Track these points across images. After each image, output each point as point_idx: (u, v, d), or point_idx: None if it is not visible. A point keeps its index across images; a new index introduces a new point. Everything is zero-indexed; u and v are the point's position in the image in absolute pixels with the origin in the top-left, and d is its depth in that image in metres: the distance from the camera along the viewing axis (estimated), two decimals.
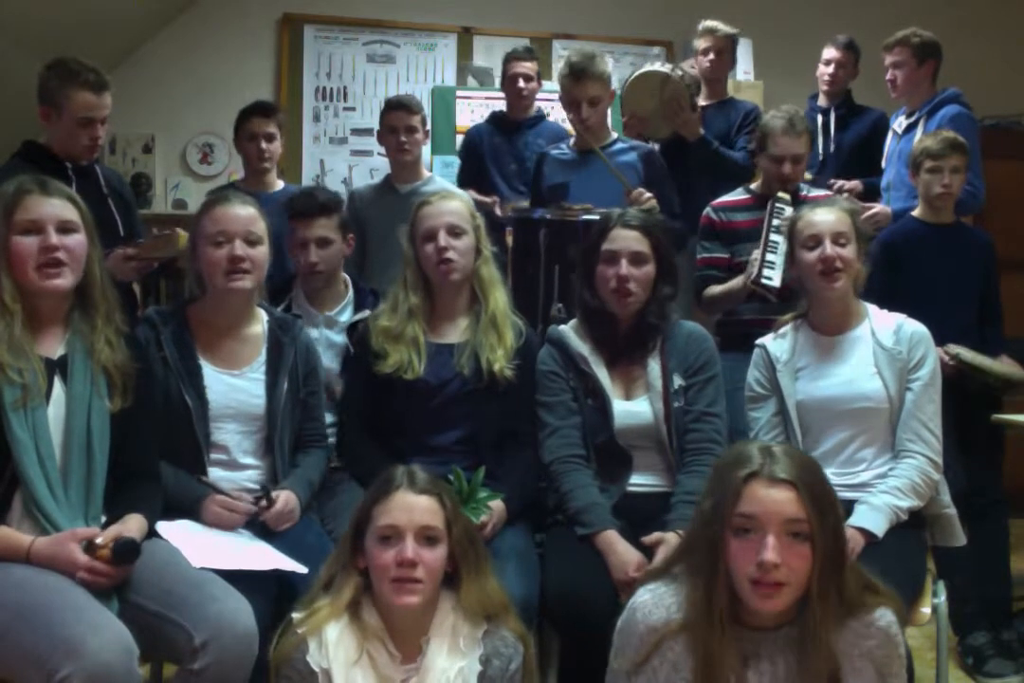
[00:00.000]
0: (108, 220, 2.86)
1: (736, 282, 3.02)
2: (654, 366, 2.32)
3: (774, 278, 2.85)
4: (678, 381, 2.31)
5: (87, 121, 2.75)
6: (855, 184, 3.57)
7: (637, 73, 3.58)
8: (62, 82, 2.72)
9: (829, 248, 2.32)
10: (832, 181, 3.56)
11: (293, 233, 2.77)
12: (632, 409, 2.30)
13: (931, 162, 3.02)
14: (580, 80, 3.17)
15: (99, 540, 1.78)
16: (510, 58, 3.93)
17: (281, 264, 3.27)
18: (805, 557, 1.51)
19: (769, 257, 2.88)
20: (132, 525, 1.87)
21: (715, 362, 2.37)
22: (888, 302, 2.47)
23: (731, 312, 3.13)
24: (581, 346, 2.35)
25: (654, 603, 1.63)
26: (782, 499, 1.51)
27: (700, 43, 3.83)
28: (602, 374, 2.32)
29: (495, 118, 4.02)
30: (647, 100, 3.44)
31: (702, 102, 3.82)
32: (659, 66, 3.57)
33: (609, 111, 3.69)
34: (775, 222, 2.93)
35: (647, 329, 2.34)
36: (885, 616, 1.58)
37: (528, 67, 3.88)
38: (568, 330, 2.40)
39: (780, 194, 3.02)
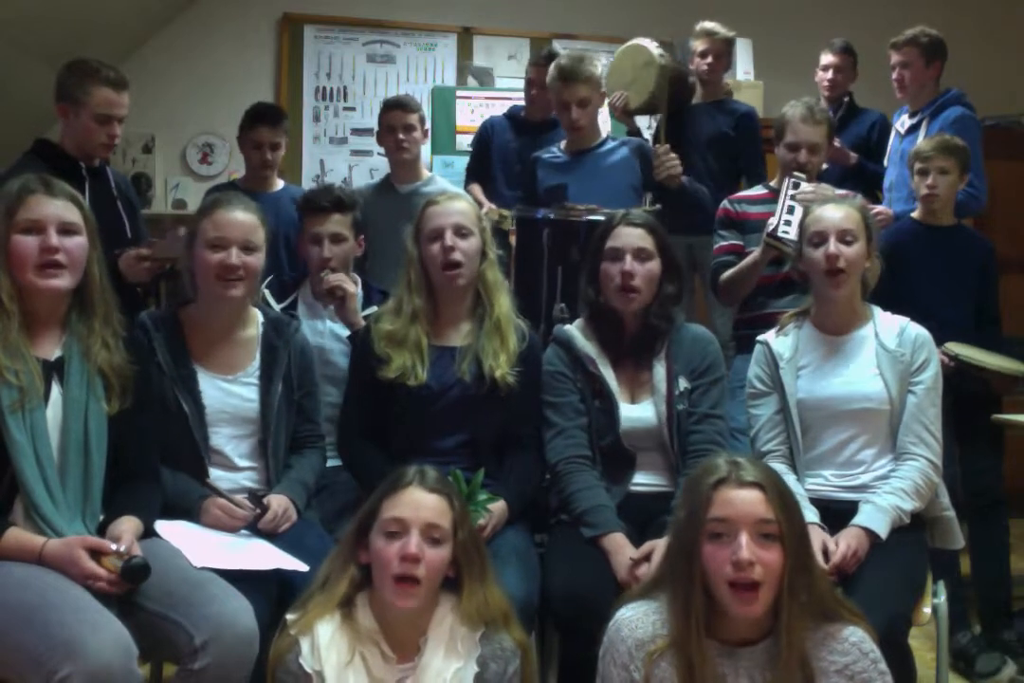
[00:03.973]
0: (117, 222, 2.86)
1: (752, 256, 2.95)
2: (659, 369, 2.31)
3: (791, 232, 2.82)
4: (684, 384, 2.30)
5: (106, 118, 2.75)
6: (844, 149, 3.62)
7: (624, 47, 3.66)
8: (82, 79, 2.72)
9: (833, 246, 2.31)
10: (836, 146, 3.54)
11: (305, 228, 2.78)
12: (637, 413, 2.30)
13: (920, 163, 3.07)
14: (568, 82, 3.16)
15: (114, 547, 1.76)
16: (535, 62, 3.88)
17: (291, 262, 3.29)
18: (776, 556, 1.56)
19: (786, 217, 2.87)
20: (129, 526, 1.87)
21: (720, 364, 2.37)
22: (885, 303, 2.46)
23: (752, 306, 3.06)
24: (588, 347, 2.34)
25: (639, 618, 1.65)
26: (752, 500, 1.57)
27: (697, 45, 3.82)
28: (609, 376, 2.32)
29: (512, 115, 3.97)
30: (628, 71, 3.48)
31: (696, 101, 3.84)
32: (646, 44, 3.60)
33: (606, 110, 3.70)
34: (791, 192, 2.92)
35: (652, 331, 2.34)
36: (856, 633, 1.63)
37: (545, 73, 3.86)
38: (575, 330, 2.38)
39: (796, 172, 2.99)
